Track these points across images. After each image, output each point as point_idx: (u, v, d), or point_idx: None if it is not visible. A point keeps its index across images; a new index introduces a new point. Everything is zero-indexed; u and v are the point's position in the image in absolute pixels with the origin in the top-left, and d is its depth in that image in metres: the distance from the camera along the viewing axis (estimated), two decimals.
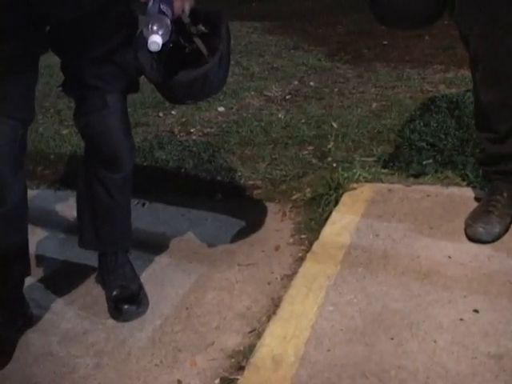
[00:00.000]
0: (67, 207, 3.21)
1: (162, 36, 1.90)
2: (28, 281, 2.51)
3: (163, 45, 1.92)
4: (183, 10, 2.02)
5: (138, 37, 2.07)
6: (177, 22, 2.03)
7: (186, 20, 2.07)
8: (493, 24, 2.31)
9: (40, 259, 2.83)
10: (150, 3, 1.97)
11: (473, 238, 2.51)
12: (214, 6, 2.22)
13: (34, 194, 3.34)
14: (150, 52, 1.93)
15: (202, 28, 2.14)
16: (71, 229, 2.94)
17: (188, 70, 2.07)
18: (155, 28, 1.89)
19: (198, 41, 2.11)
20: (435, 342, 2.04)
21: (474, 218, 2.55)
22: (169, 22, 1.93)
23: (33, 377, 2.21)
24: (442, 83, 4.45)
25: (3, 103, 2.01)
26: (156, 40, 1.88)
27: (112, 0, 2.09)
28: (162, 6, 1.94)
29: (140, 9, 2.11)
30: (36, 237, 2.95)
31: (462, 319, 2.13)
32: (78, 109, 2.31)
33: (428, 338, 2.06)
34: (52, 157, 3.86)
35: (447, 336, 2.06)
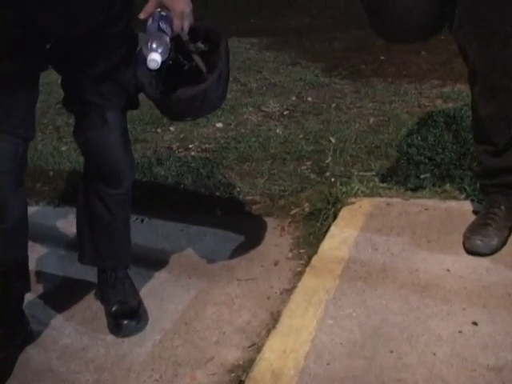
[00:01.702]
0: (66, 223, 3.21)
1: (161, 54, 1.91)
2: (28, 297, 2.51)
3: (162, 62, 1.93)
4: (182, 28, 2.04)
5: (138, 54, 2.09)
6: (176, 39, 2.05)
7: (185, 37, 2.08)
8: (491, 37, 2.33)
9: (40, 275, 2.83)
10: (150, 21, 1.99)
11: (471, 251, 2.52)
12: (213, 24, 2.25)
13: (34, 211, 3.33)
14: (149, 70, 1.95)
15: (201, 45, 2.16)
16: (71, 245, 2.94)
17: (187, 88, 2.09)
18: (154, 46, 1.91)
19: (197, 58, 2.13)
20: (435, 354, 2.05)
21: (472, 231, 2.55)
22: (168, 40, 1.95)
23: None
24: (439, 98, 4.46)
25: (4, 120, 2.02)
26: (155, 58, 1.90)
27: (112, 18, 2.11)
28: (161, 24, 1.96)
29: (139, 26, 2.13)
30: (36, 253, 2.94)
31: (461, 332, 2.13)
32: (77, 125, 2.32)
33: (427, 350, 2.07)
34: (51, 173, 3.86)
35: (446, 348, 2.06)
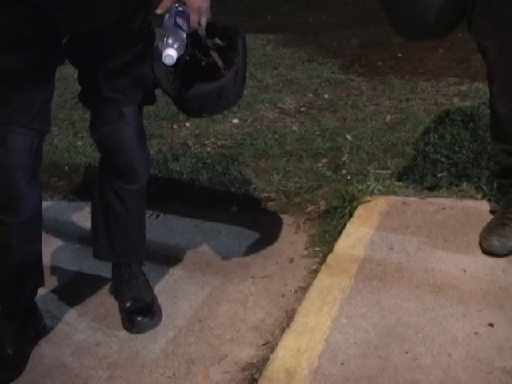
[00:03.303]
0: (81, 218, 3.22)
1: (177, 50, 1.90)
2: (42, 291, 2.51)
3: (179, 58, 1.92)
4: (199, 24, 2.02)
5: (155, 50, 2.08)
6: (193, 35, 2.04)
7: (203, 33, 2.06)
8: (511, 35, 2.30)
9: (54, 270, 2.84)
10: (166, 17, 1.98)
11: (488, 251, 2.50)
12: (231, 19, 2.23)
13: (49, 205, 3.34)
14: (166, 65, 1.94)
15: (218, 41, 2.14)
16: (85, 240, 2.94)
17: (203, 84, 2.07)
18: (170, 41, 1.90)
19: (214, 54, 2.11)
20: (450, 356, 2.03)
21: (489, 231, 2.53)
22: (184, 35, 1.94)
23: None
24: (456, 96, 4.44)
25: (19, 114, 2.02)
26: (171, 54, 1.89)
27: (129, 13, 2.10)
28: (177, 20, 1.95)
29: (157, 21, 2.12)
30: (50, 248, 2.95)
31: (476, 333, 2.12)
32: (93, 120, 2.31)
33: (442, 352, 2.05)
34: (66, 168, 3.86)
35: (462, 350, 2.05)
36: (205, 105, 2.12)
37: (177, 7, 1.99)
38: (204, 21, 2.03)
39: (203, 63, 2.13)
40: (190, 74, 2.09)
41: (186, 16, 1.98)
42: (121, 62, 2.16)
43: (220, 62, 2.11)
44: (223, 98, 2.10)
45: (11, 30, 1.94)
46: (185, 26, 1.96)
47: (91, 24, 2.03)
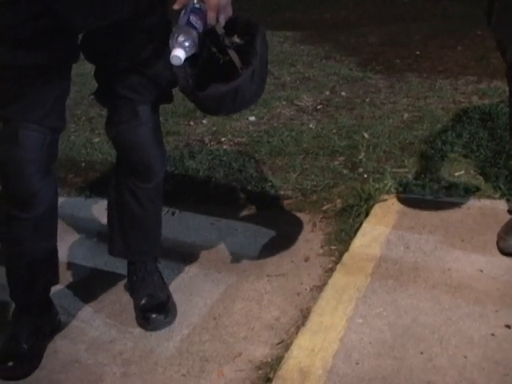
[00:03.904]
0: (97, 215, 3.22)
1: (186, 49, 1.88)
2: (57, 287, 2.52)
3: (195, 55, 1.90)
4: (217, 21, 1.99)
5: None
6: (211, 32, 2.02)
7: (221, 31, 2.02)
8: None
9: (70, 266, 2.84)
10: (182, 13, 1.95)
11: (505, 252, 2.48)
12: (251, 16, 2.18)
13: (65, 202, 3.35)
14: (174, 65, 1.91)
15: (237, 40, 2.09)
16: (101, 236, 2.95)
17: (218, 85, 2.03)
18: (180, 41, 1.87)
19: (232, 53, 2.06)
20: (466, 357, 2.02)
21: (506, 231, 2.52)
22: (195, 34, 1.91)
23: None
24: (475, 94, 4.41)
25: (31, 110, 2.02)
26: (178, 54, 1.86)
27: (144, 10, 2.08)
28: (191, 18, 1.91)
29: (175, 18, 2.10)
30: (66, 244, 2.96)
31: (493, 334, 2.10)
32: (109, 118, 2.31)
33: (458, 352, 2.04)
34: (83, 165, 3.87)
35: (478, 351, 2.03)
36: (220, 105, 2.09)
37: (194, 4, 1.95)
38: (223, 18, 2.00)
39: (221, 62, 2.09)
40: (208, 73, 2.07)
41: (202, 13, 1.94)
42: (136, 60, 2.14)
43: (238, 62, 2.06)
44: (239, 98, 2.06)
45: (24, 27, 1.93)
46: (198, 24, 1.92)
47: (103, 20, 2.02)
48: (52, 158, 2.13)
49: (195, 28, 1.91)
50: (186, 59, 1.91)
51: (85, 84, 4.78)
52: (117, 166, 2.42)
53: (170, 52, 1.90)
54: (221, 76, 2.05)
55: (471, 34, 5.75)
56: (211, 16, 1.97)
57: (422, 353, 2.06)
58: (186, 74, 2.02)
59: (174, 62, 1.88)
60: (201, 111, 2.33)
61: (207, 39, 2.02)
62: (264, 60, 2.11)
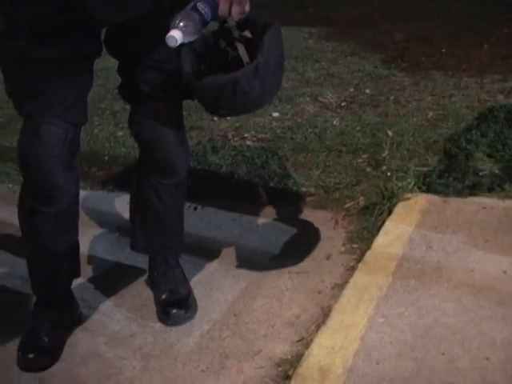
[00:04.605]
0: (120, 209, 3.23)
1: (185, 33, 1.85)
2: (79, 281, 2.52)
3: (205, 47, 1.87)
4: (230, 13, 1.95)
5: None
6: (222, 25, 1.99)
7: (232, 23, 1.98)
8: None
9: (92, 259, 2.85)
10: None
11: None
12: (267, 18, 2.12)
13: (88, 195, 3.36)
14: (190, 54, 1.88)
15: (247, 34, 2.03)
16: (123, 230, 2.96)
17: (217, 75, 1.96)
18: (180, 23, 1.85)
19: (240, 47, 2.01)
20: (487, 359, 2.00)
21: None
22: (199, 20, 1.88)
23: (79, 377, 2.22)
24: (500, 93, 4.37)
25: (55, 105, 2.02)
26: (174, 35, 1.84)
27: (166, 5, 2.04)
28: (198, 4, 1.89)
29: None
30: (88, 237, 2.97)
31: None
32: (132, 114, 2.30)
33: (480, 354, 2.02)
34: (106, 158, 3.89)
35: (500, 354, 2.01)
36: (219, 99, 2.00)
37: None
38: (236, 11, 1.94)
39: (230, 57, 2.04)
40: (217, 69, 2.01)
41: (213, 2, 1.91)
42: (158, 57, 2.13)
43: (244, 56, 2.00)
44: (239, 93, 1.95)
45: (45, 21, 1.93)
46: (205, 11, 1.89)
47: (126, 15, 2.00)
48: (74, 152, 2.14)
49: (201, 14, 1.88)
50: (194, 49, 1.90)
51: (109, 78, 4.79)
52: (139, 161, 2.42)
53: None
54: (228, 71, 1.97)
55: (497, 33, 5.71)
56: (224, 7, 1.93)
57: (443, 354, 2.04)
58: (194, 64, 1.98)
59: (170, 42, 1.85)
60: (202, 105, 2.16)
61: (217, 32, 1.99)
62: (274, 57, 2.02)
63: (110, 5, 1.95)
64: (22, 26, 1.95)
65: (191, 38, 1.88)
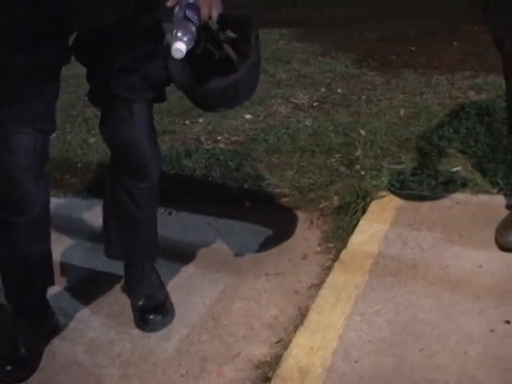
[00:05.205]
0: (94, 216, 3.20)
1: (186, 43, 1.88)
2: (54, 289, 2.51)
3: (191, 51, 1.90)
4: (210, 17, 2.00)
5: (166, 46, 2.05)
6: (205, 28, 2.02)
7: (214, 26, 2.04)
8: None
9: (67, 267, 2.83)
10: (177, 9, 1.95)
11: (504, 247, 2.47)
12: (243, 12, 2.19)
13: (61, 203, 3.34)
14: (180, 60, 1.91)
15: (230, 34, 2.10)
16: (98, 237, 2.92)
17: (218, 79, 2.03)
18: (180, 35, 1.88)
19: (227, 47, 2.07)
20: (466, 353, 2.01)
21: (505, 227, 2.51)
22: (193, 28, 1.92)
23: None
24: (471, 89, 4.40)
25: (23, 113, 2.01)
26: (179, 47, 1.87)
27: (137, 11, 2.07)
28: (187, 13, 1.92)
29: (164, 17, 2.10)
30: (63, 245, 2.95)
31: (493, 330, 2.09)
32: (103, 119, 2.30)
33: (459, 349, 2.03)
34: (79, 165, 3.86)
35: (478, 347, 2.02)
36: (220, 100, 2.09)
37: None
38: (215, 13, 2.00)
39: (216, 57, 2.09)
40: (204, 69, 2.06)
41: (196, 8, 1.95)
42: (129, 60, 2.13)
43: (234, 55, 2.07)
44: (238, 92, 2.08)
45: (14, 29, 1.92)
46: (195, 19, 1.93)
47: (97, 23, 2.00)
48: (43, 160, 2.12)
49: (192, 22, 1.92)
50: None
51: (80, 85, 4.72)
52: (112, 166, 2.40)
53: (168, 47, 1.91)
54: (217, 71, 2.05)
55: (467, 30, 5.74)
56: (204, 11, 1.97)
57: (422, 350, 2.05)
58: (185, 70, 2.01)
59: (176, 55, 1.88)
60: (198, 107, 2.29)
61: (202, 35, 2.01)
62: (258, 52, 2.10)
63: (82, 12, 1.95)
64: None
65: (190, 47, 1.91)
